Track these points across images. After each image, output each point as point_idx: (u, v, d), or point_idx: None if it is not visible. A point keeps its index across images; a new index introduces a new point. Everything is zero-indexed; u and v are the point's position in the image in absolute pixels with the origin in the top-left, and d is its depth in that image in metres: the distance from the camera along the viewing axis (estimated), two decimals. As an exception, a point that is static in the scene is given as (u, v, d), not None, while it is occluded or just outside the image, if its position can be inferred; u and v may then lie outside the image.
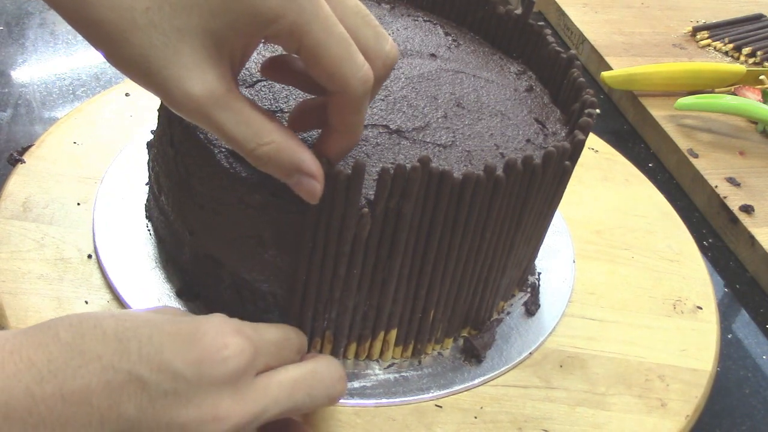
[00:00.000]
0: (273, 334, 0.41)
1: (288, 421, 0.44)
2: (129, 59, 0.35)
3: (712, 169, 0.80)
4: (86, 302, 0.53)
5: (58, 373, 0.34)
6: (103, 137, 0.67)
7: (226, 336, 0.37)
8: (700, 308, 0.62)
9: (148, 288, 0.54)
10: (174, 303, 0.53)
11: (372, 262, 0.47)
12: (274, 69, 0.44)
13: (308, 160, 0.40)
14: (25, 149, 0.64)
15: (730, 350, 0.64)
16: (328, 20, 0.36)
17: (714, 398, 0.58)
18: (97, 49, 0.36)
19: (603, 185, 0.74)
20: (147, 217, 0.59)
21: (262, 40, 0.38)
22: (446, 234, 0.47)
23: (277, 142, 0.38)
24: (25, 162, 0.63)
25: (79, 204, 0.60)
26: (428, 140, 0.51)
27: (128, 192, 0.61)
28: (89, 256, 0.56)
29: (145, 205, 0.60)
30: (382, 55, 0.40)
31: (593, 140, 0.79)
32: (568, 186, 0.71)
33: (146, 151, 0.61)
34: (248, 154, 0.39)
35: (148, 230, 0.58)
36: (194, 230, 0.52)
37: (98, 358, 0.35)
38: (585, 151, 0.77)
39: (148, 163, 0.59)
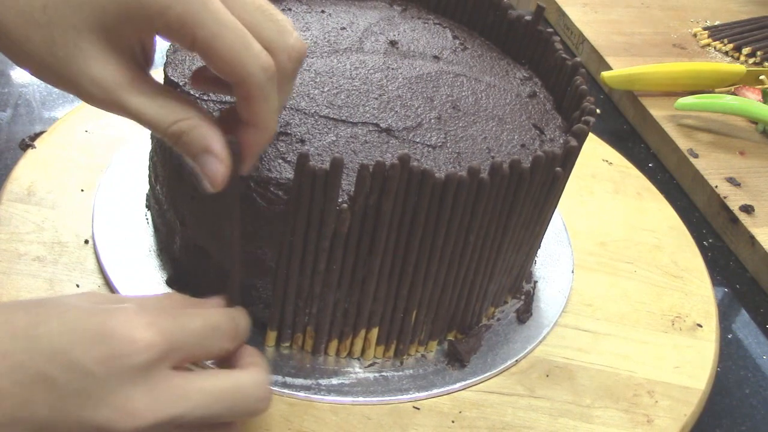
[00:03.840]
0: (196, 323, 0.40)
1: None
2: (35, 58, 0.37)
3: (712, 169, 0.79)
4: (77, 285, 0.54)
5: None
6: (114, 127, 0.68)
7: (135, 330, 0.37)
8: (700, 326, 0.61)
9: (139, 275, 0.55)
10: (164, 291, 0.54)
11: (352, 258, 0.47)
12: (200, 81, 0.44)
13: (217, 142, 0.40)
14: (37, 135, 0.66)
15: (730, 350, 0.63)
16: (218, 12, 0.37)
17: (714, 398, 0.57)
18: (4, 53, 0.37)
19: (613, 198, 0.72)
20: (147, 207, 0.60)
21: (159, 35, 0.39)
22: (428, 234, 0.47)
23: (187, 121, 0.39)
24: (35, 147, 0.64)
25: (82, 190, 0.61)
26: (418, 140, 0.51)
27: (132, 181, 0.62)
28: (86, 242, 0.57)
29: (146, 194, 0.61)
30: (287, 48, 0.39)
31: (608, 152, 0.78)
32: (576, 196, 0.71)
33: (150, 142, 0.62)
34: (163, 134, 0.40)
35: (147, 220, 0.59)
36: (184, 220, 0.53)
37: (7, 355, 0.35)
38: (598, 163, 0.76)
39: (149, 154, 0.60)
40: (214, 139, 0.40)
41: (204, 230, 0.51)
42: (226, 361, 0.43)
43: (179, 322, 0.39)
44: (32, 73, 0.38)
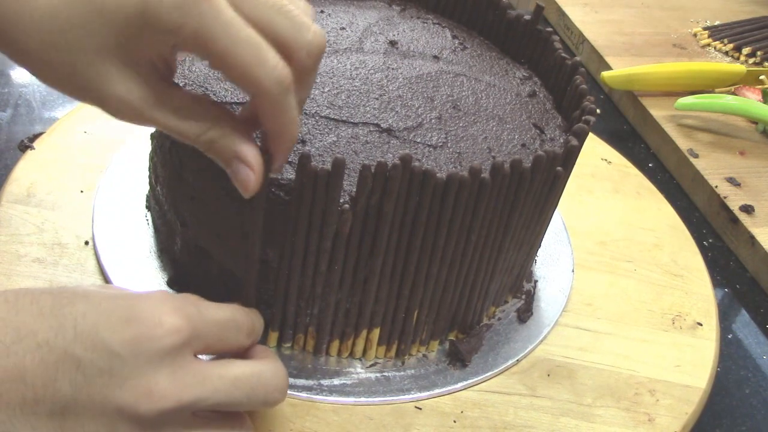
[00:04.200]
0: (218, 314, 0.41)
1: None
2: (60, 79, 0.37)
3: (712, 169, 0.79)
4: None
5: None
6: (113, 128, 0.68)
7: (162, 314, 0.37)
8: (700, 324, 0.61)
9: (140, 276, 0.55)
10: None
11: (354, 259, 0.47)
12: None
13: (247, 150, 0.40)
14: (36, 136, 0.66)
15: (730, 350, 0.63)
16: (231, 25, 0.36)
17: (714, 398, 0.57)
18: (28, 71, 0.37)
19: (613, 197, 0.73)
20: (147, 208, 0.60)
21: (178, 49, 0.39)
22: (429, 234, 0.47)
23: (217, 130, 0.39)
24: (34, 149, 0.64)
25: (82, 192, 0.61)
26: (419, 140, 0.51)
27: (131, 182, 0.62)
28: (86, 243, 0.57)
29: (146, 195, 0.61)
30: (305, 45, 0.38)
31: (607, 151, 0.78)
32: (576, 196, 0.71)
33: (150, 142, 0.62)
34: (194, 143, 0.40)
35: (147, 220, 0.59)
36: (185, 221, 0.53)
37: (33, 334, 0.35)
38: (597, 162, 0.77)
39: (149, 154, 0.60)
40: (243, 147, 0.40)
41: (205, 231, 0.51)
42: (240, 357, 0.43)
43: (202, 311, 0.40)
44: (61, 92, 0.38)
